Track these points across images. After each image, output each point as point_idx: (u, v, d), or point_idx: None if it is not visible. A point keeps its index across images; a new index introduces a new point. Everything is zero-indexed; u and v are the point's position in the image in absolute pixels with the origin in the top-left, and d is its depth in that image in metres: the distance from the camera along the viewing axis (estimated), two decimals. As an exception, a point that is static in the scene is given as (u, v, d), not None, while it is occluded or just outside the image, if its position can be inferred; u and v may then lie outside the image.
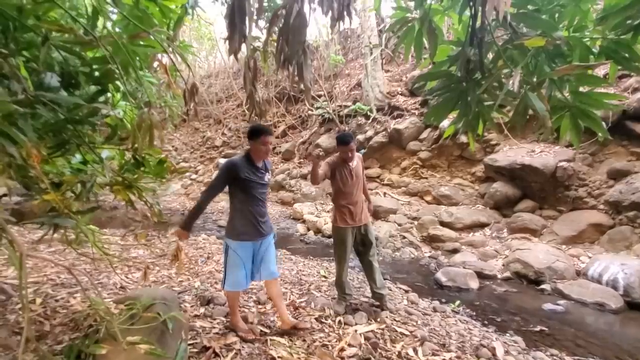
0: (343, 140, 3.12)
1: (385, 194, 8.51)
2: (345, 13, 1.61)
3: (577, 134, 1.92)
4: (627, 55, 1.71)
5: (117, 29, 1.96)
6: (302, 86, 1.55)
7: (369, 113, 9.68)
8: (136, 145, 1.57)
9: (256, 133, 2.46)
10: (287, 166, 11.33)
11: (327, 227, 7.08)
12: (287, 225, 8.12)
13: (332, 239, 6.67)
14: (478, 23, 1.68)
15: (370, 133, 9.46)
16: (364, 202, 3.28)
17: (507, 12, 1.63)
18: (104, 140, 1.84)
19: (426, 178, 8.45)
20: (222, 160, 12.78)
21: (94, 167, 1.95)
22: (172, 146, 15.70)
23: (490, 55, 1.94)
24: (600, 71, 5.53)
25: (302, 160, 11.34)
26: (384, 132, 9.25)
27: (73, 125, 1.75)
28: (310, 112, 11.70)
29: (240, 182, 2.44)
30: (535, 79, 1.77)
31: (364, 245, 3.26)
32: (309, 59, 1.53)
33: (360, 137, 9.59)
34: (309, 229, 7.52)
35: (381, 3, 2.48)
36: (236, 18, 1.27)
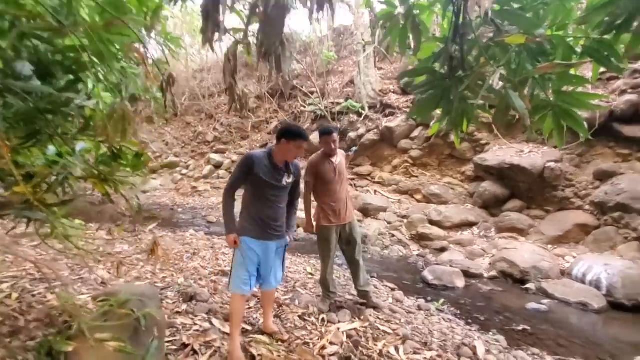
0: (326, 131, 3.07)
1: (375, 191, 8.51)
2: (326, 5, 1.57)
3: (560, 133, 1.91)
4: (608, 55, 1.70)
5: (96, 17, 1.90)
6: (280, 79, 1.51)
7: (360, 111, 9.67)
8: (111, 138, 1.52)
9: (294, 135, 2.26)
10: (278, 163, 11.27)
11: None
12: (277, 222, 8.09)
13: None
14: (461, 20, 1.66)
15: (362, 131, 9.45)
16: (348, 200, 3.23)
17: (489, 9, 1.61)
18: (78, 131, 1.79)
19: (417, 176, 8.47)
20: (214, 156, 12.69)
21: (69, 160, 1.89)
22: (163, 140, 15.53)
23: (475, 52, 1.93)
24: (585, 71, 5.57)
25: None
26: (375, 130, 9.24)
27: (44, 115, 1.70)
28: (303, 108, 11.65)
29: (253, 178, 2.27)
30: (517, 77, 1.76)
31: (348, 243, 3.23)
32: (287, 51, 1.50)
33: (352, 134, 9.57)
34: (298, 226, 7.48)
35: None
36: (210, 7, 1.23)
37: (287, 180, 2.37)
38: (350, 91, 10.81)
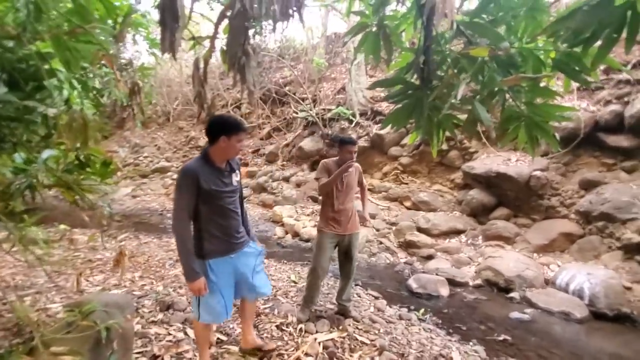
0: (350, 140, 3.01)
1: (365, 198, 8.49)
2: (294, 14, 1.57)
3: (532, 144, 1.92)
4: (577, 67, 1.71)
5: (64, 25, 1.88)
6: (244, 89, 1.50)
7: (351, 117, 9.69)
8: (70, 146, 1.50)
9: (233, 128, 1.95)
10: (270, 168, 11.24)
11: (305, 231, 7.03)
12: (266, 228, 8.03)
13: (309, 243, 6.66)
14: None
15: (353, 137, 9.46)
16: (353, 212, 3.15)
17: (454, 20, 1.61)
18: (41, 139, 1.76)
19: (407, 183, 8.48)
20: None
21: (34, 167, 1.86)
22: (155, 145, 15.46)
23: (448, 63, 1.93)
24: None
25: (285, 162, 11.27)
26: (366, 137, 9.26)
27: (7, 123, 1.67)
28: (295, 114, 11.66)
29: (202, 192, 1.93)
30: (486, 89, 1.77)
31: (345, 255, 3.16)
32: (252, 61, 1.48)
33: (343, 141, 9.58)
34: (287, 232, 7.45)
35: (351, 9, 2.47)
36: (166, 17, 1.21)
37: (236, 178, 2.12)
38: (341, 98, 10.84)
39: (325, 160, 3.15)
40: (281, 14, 1.39)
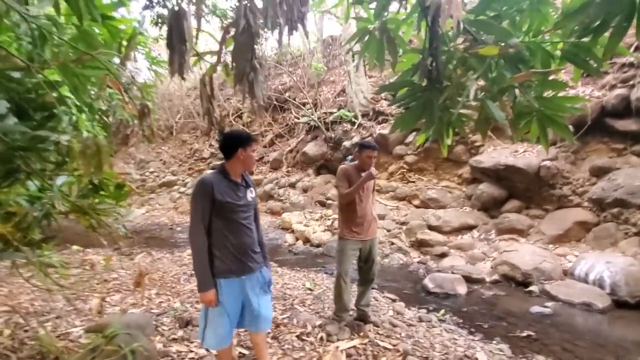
0: (370, 145, 2.98)
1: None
2: (298, 25, 1.57)
3: (545, 138, 1.89)
4: (587, 58, 1.69)
5: (70, 53, 1.90)
6: (254, 103, 1.49)
7: (353, 119, 9.68)
8: (85, 172, 1.50)
9: (248, 140, 2.01)
10: (275, 175, 11.26)
11: (316, 236, 7.01)
12: (276, 235, 8.03)
13: (320, 248, 6.64)
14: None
15: (356, 139, 9.45)
16: (372, 217, 3.11)
17: (460, 19, 1.60)
18: (55, 167, 1.76)
19: (413, 182, 8.44)
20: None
21: (50, 195, 1.87)
22: (160, 159, 15.56)
23: (454, 63, 1.92)
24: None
25: (290, 168, 11.28)
26: (369, 138, 9.24)
27: (20, 154, 1.68)
28: (297, 120, 11.68)
29: (217, 205, 1.92)
30: (496, 87, 1.75)
31: (367, 261, 3.11)
32: (260, 76, 1.48)
33: (347, 143, 9.58)
34: (297, 239, 7.44)
35: (350, 14, 2.47)
36: (174, 39, 1.21)
37: (251, 195, 2.11)
38: (342, 100, 10.84)
39: (343, 166, 3.12)
40: (287, 27, 1.38)
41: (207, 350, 2.65)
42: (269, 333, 2.94)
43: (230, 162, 2.02)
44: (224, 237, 1.98)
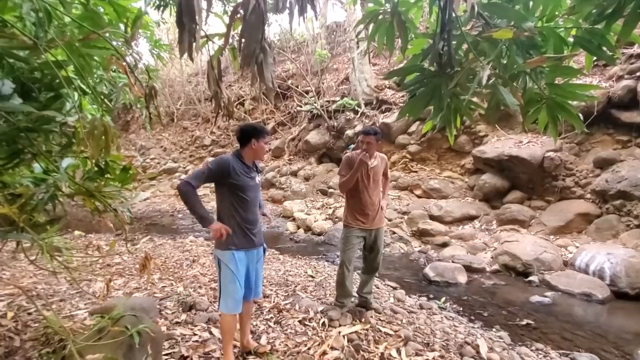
0: (363, 131, 2.96)
1: (375, 189, 8.46)
2: (308, 7, 1.53)
3: (554, 126, 1.87)
4: (600, 44, 1.65)
5: (75, 32, 1.86)
6: (263, 86, 1.47)
7: (357, 108, 9.61)
8: (93, 153, 1.49)
9: (262, 133, 2.29)
10: (277, 163, 11.24)
11: (317, 225, 7.03)
12: (278, 223, 8.05)
13: (321, 237, 6.67)
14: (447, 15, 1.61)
15: (359, 128, 9.40)
16: (379, 206, 3.08)
17: (475, 3, 1.56)
18: (61, 148, 1.75)
19: (416, 172, 8.42)
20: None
21: (55, 177, 1.86)
22: (161, 146, 15.52)
23: (465, 47, 1.89)
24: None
25: (292, 157, 11.26)
26: (373, 126, 9.20)
27: (26, 134, 1.66)
28: (299, 108, 11.60)
29: (231, 183, 2.17)
30: (507, 72, 1.72)
31: (371, 250, 3.10)
32: (269, 58, 1.46)
33: (349, 132, 9.53)
34: (298, 227, 7.46)
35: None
36: (184, 18, 1.19)
37: (259, 178, 2.41)
38: (345, 89, 10.75)
39: (348, 154, 3.10)
40: (300, 8, 1.35)
41: (211, 333, 2.69)
42: (271, 317, 2.98)
43: (244, 149, 2.29)
44: (236, 213, 2.23)
